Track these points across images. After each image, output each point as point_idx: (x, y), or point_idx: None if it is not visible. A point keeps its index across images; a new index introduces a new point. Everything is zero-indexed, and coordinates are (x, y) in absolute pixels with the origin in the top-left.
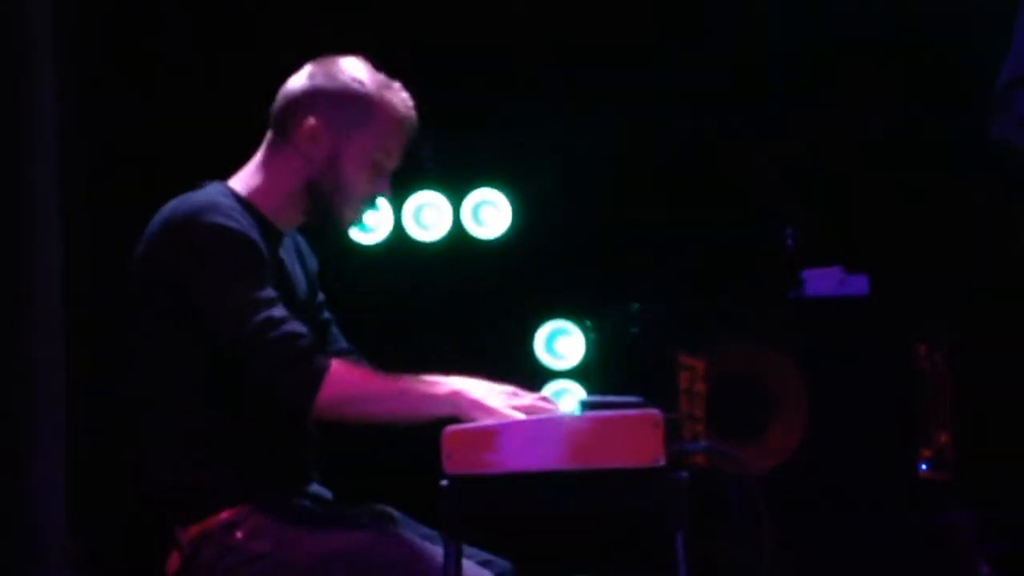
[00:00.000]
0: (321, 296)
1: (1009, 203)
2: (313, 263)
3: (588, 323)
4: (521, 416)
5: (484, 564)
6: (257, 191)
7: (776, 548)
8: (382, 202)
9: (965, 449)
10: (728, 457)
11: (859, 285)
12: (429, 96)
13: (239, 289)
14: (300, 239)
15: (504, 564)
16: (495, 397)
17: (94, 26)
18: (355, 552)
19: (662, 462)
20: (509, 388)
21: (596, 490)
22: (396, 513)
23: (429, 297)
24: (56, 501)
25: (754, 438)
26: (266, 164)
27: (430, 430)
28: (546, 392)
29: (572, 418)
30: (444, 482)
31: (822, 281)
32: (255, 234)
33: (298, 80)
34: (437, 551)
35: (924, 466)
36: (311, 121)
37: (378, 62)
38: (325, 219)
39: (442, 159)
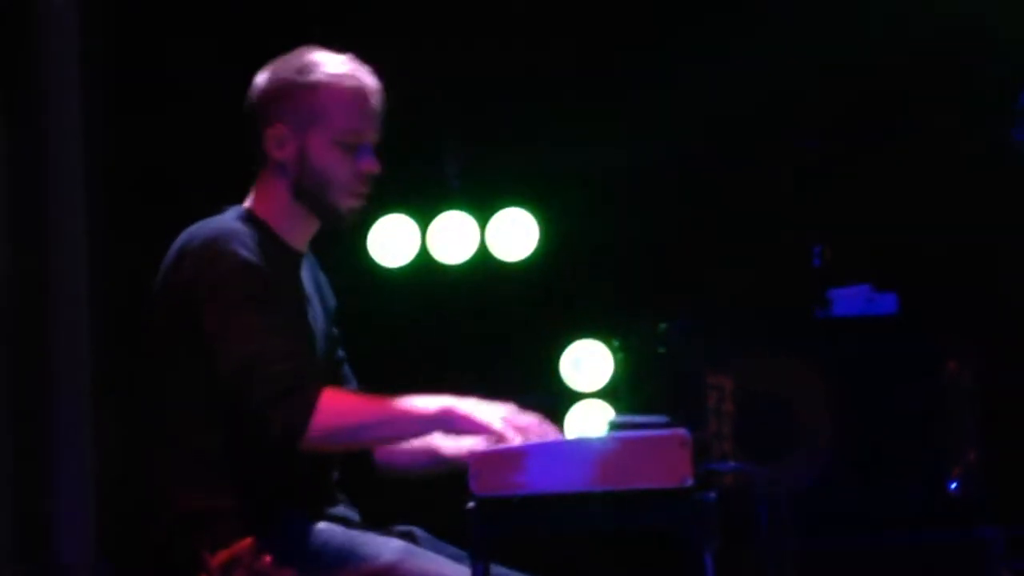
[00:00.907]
0: (336, 331)
1: None
2: (332, 299)
3: (615, 343)
4: (512, 433)
5: None
6: (266, 212)
7: (804, 567)
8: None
9: (994, 466)
10: (756, 476)
11: (887, 304)
12: (457, 118)
13: (238, 323)
14: (322, 274)
15: None
16: (486, 411)
17: (119, 50)
18: (383, 574)
19: (690, 482)
20: (505, 408)
21: (624, 511)
22: (422, 533)
23: (455, 319)
24: (83, 526)
25: (782, 457)
26: (260, 184)
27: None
28: (573, 413)
29: (599, 439)
30: (471, 504)
31: (850, 300)
32: (270, 259)
33: (249, 95)
34: (465, 572)
35: (954, 484)
36: (269, 130)
37: (404, 84)
38: (326, 216)
39: (467, 179)
